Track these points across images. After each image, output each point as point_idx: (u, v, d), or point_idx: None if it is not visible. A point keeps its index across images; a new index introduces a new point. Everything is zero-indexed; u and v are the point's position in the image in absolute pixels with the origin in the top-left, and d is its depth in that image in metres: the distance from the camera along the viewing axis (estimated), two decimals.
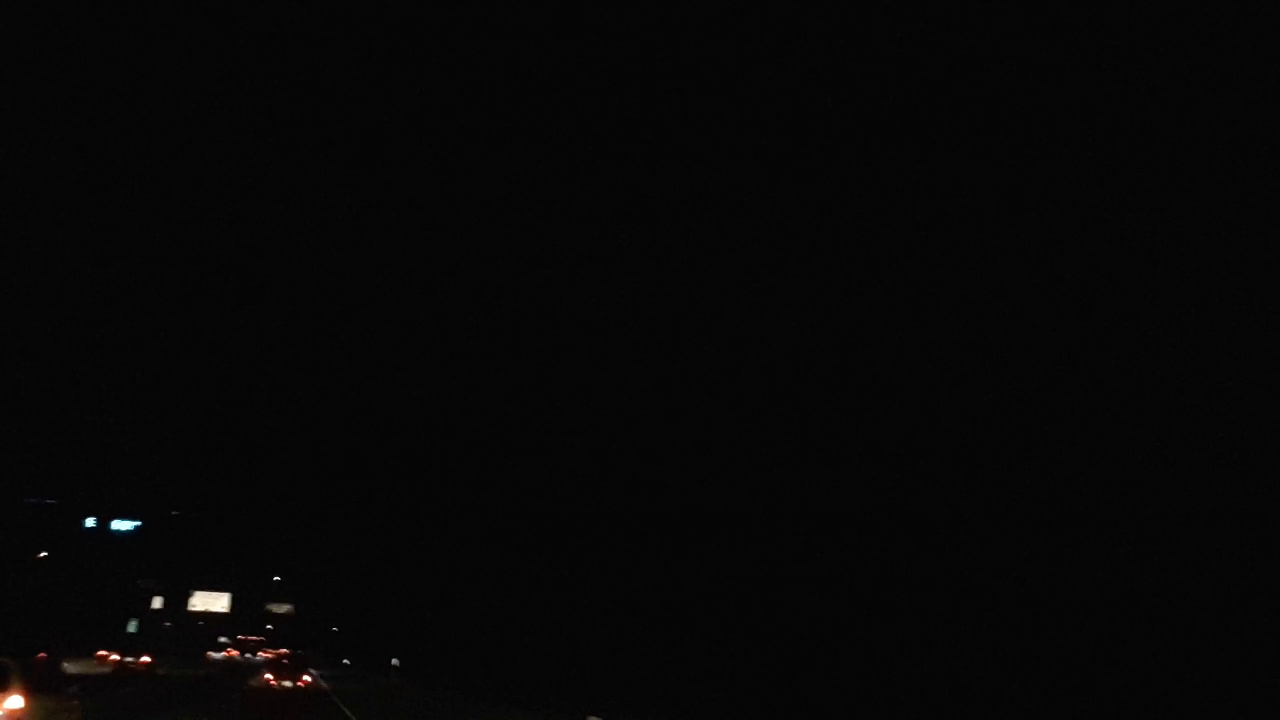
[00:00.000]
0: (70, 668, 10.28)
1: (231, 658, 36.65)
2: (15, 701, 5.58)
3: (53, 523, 27.12)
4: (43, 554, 25.22)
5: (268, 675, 14.93)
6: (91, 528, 30.38)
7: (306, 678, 15.09)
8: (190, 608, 43.77)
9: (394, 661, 25.56)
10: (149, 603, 39.99)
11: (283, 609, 42.44)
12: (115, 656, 20.85)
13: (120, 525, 31.77)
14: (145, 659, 20.89)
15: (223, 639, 41.92)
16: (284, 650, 26.39)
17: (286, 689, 13.47)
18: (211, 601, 44.42)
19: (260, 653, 36.51)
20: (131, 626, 34.59)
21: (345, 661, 35.80)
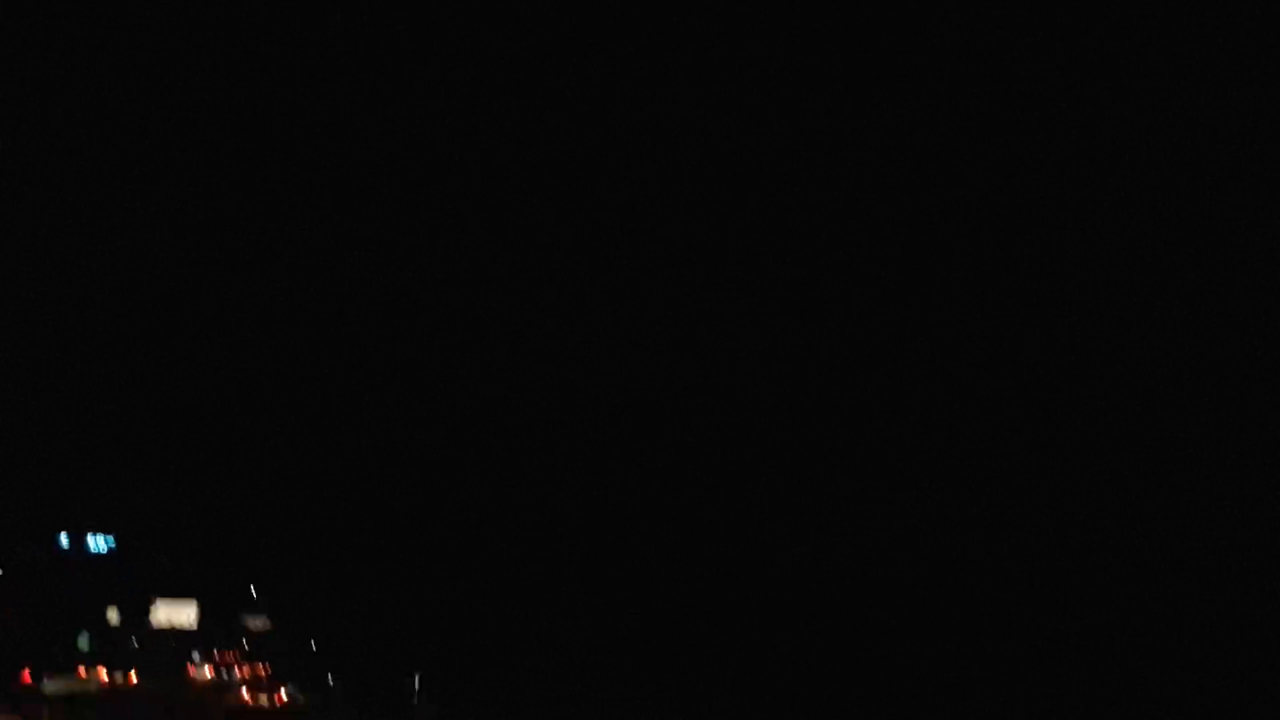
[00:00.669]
0: (50, 686, 9.30)
1: (211, 676, 35.41)
2: None
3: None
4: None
5: (245, 693, 14.28)
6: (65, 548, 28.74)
7: (284, 695, 14.42)
8: (154, 621, 41.82)
9: (413, 679, 22.58)
10: (102, 614, 37.83)
11: (259, 623, 40.72)
12: (104, 675, 20.12)
13: (95, 542, 29.96)
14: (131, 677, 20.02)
15: (197, 654, 40.19)
16: (261, 665, 25.76)
17: (265, 709, 12.94)
18: (175, 613, 42.37)
19: (237, 670, 35.65)
20: (82, 643, 32.51)
21: (331, 682, 34.40)
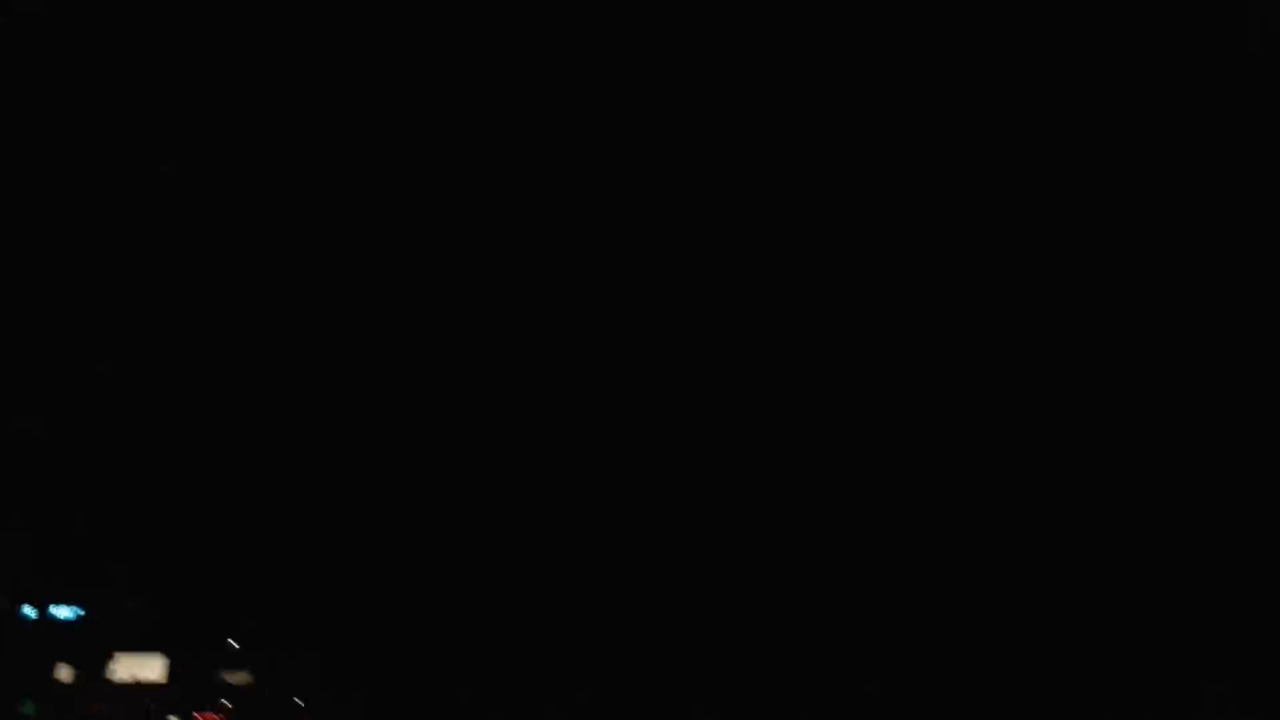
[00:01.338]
0: None
1: None
2: None
3: None
4: None
5: None
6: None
7: None
8: (115, 679, 38.28)
9: None
10: (50, 672, 34.13)
11: (239, 677, 37.59)
12: None
13: (61, 611, 27.09)
14: None
15: (170, 716, 36.83)
16: None
17: None
18: (141, 668, 38.97)
19: None
20: (28, 708, 29.03)
21: None
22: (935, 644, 10.67)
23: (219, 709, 34.75)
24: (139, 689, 33.34)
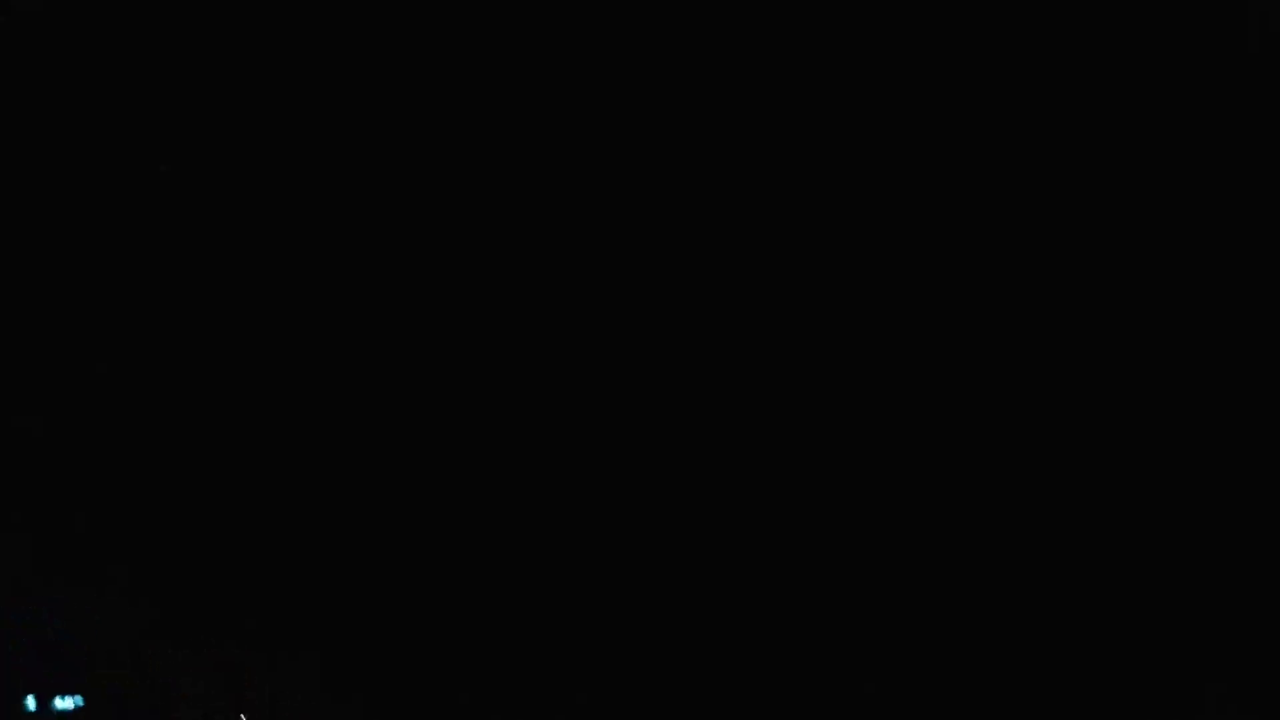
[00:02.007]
0: None
1: None
2: None
3: None
4: None
5: None
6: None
7: None
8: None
9: None
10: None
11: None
12: None
13: (62, 703, 26.02)
14: None
15: None
16: None
17: None
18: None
19: None
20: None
21: None
22: (935, 644, 10.36)
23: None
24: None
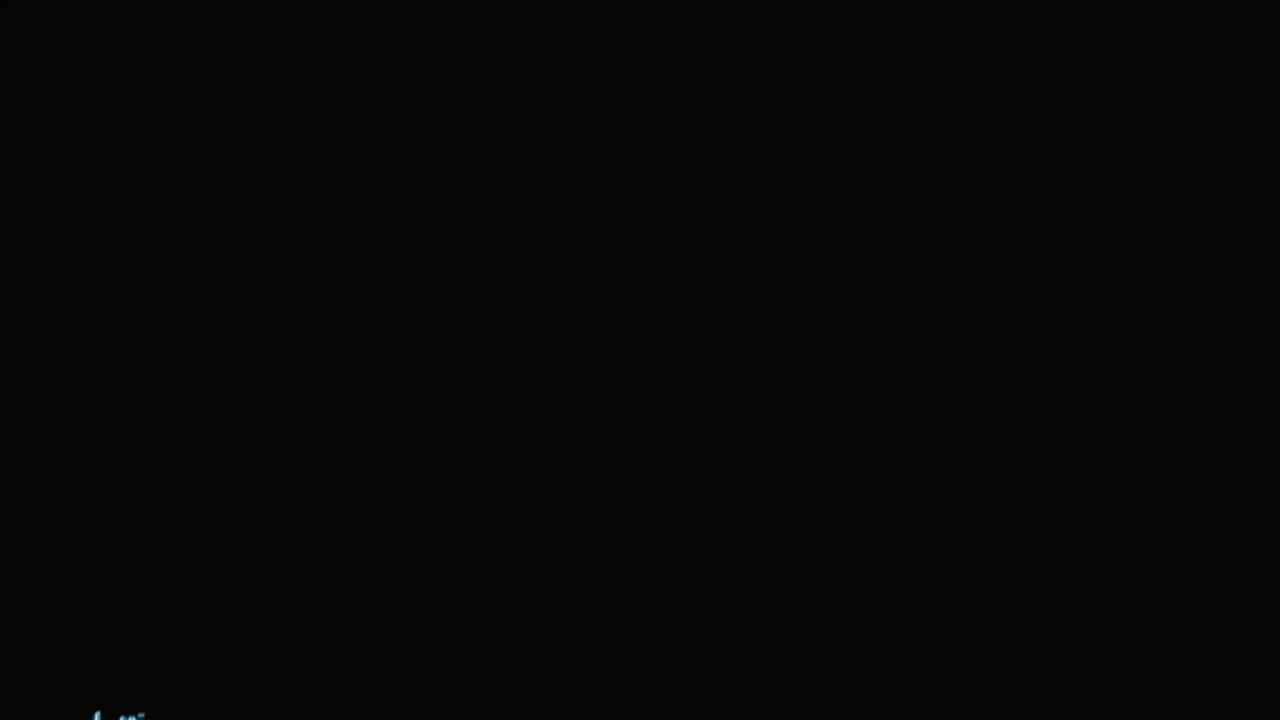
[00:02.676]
0: None
1: None
2: None
3: None
4: None
5: None
6: None
7: None
8: None
9: None
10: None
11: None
12: None
13: None
14: None
15: None
16: None
17: None
18: None
19: None
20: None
21: None
22: (935, 644, 10.49)
23: None
24: None
